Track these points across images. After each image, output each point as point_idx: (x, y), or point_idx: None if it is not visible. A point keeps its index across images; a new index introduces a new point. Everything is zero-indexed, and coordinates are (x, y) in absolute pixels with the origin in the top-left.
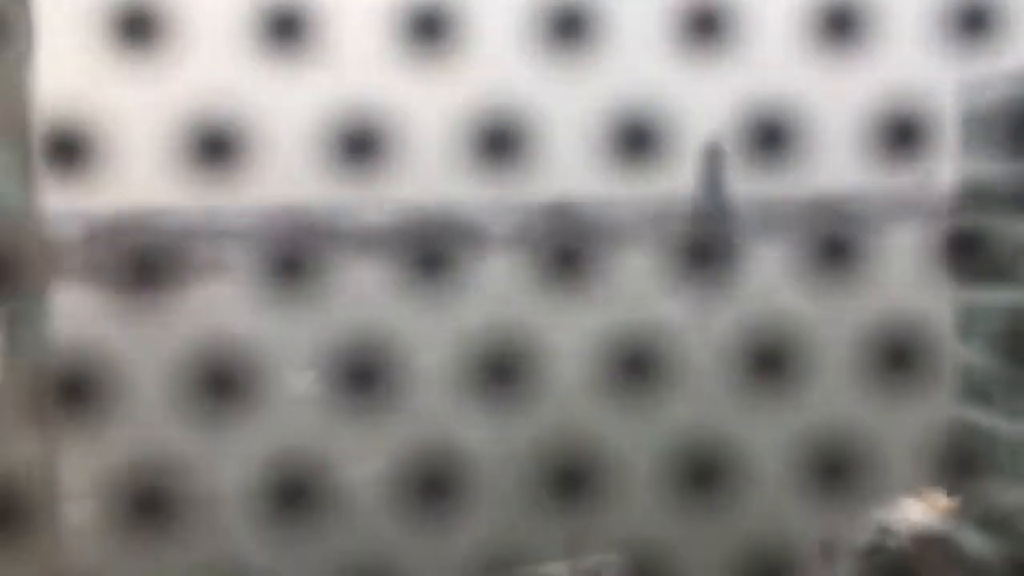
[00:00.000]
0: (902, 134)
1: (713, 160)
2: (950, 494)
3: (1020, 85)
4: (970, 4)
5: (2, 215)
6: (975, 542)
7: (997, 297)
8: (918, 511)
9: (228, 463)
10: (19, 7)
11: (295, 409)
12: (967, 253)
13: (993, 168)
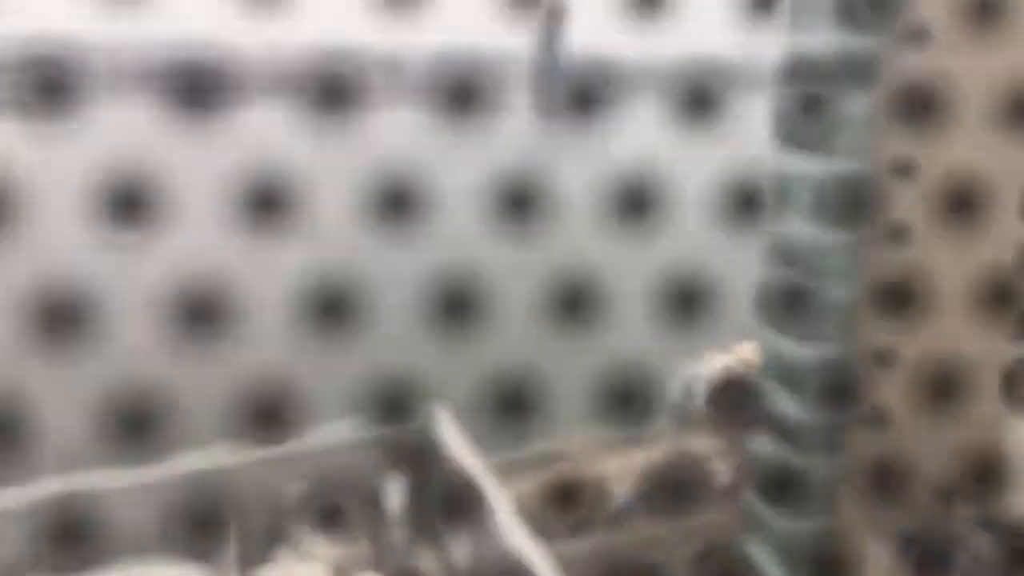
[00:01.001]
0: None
1: (553, 18)
2: (759, 347)
3: None
4: None
5: None
6: (777, 393)
7: (813, 167)
8: (726, 362)
9: None
10: None
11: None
12: (789, 121)
13: (820, 40)
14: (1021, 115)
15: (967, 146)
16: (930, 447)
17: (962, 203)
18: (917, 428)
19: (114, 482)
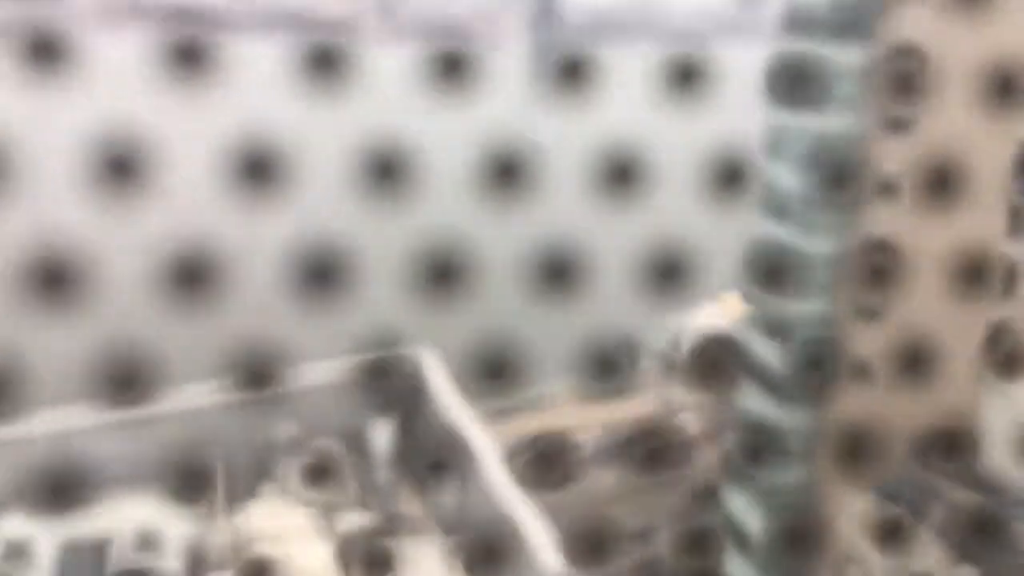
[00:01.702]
0: None
1: None
2: (745, 301)
3: None
4: None
5: None
6: (760, 347)
7: (807, 121)
8: (712, 314)
9: None
10: None
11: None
12: (784, 76)
13: None
14: (1008, 88)
15: (958, 109)
16: (908, 404)
17: (950, 165)
18: (897, 385)
19: (101, 420)
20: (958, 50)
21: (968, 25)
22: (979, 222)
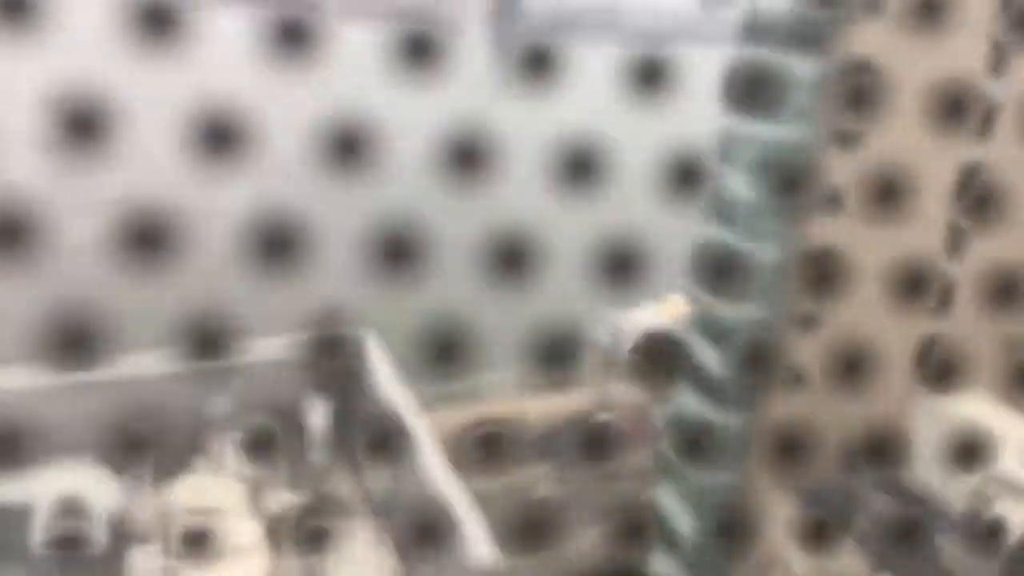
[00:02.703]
0: None
1: None
2: (689, 301)
3: None
4: None
5: None
6: (700, 348)
7: (760, 129)
8: (655, 314)
9: None
10: None
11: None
12: (741, 83)
13: (776, 3)
14: (955, 108)
15: (906, 126)
16: (840, 413)
17: (895, 181)
18: (830, 393)
19: (40, 382)
20: (909, 68)
21: (920, 45)
22: (919, 238)
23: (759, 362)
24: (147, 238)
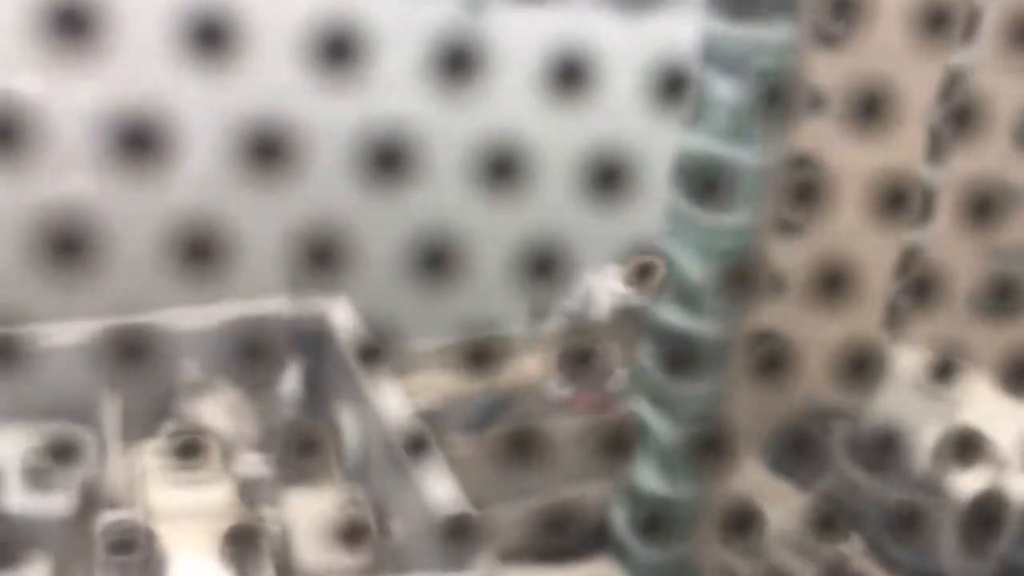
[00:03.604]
0: None
1: None
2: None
3: None
4: None
5: None
6: (669, 314)
7: (739, 31)
8: (620, 278)
9: None
10: None
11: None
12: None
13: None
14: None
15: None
16: (819, 323)
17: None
18: (810, 302)
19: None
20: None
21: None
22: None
23: (740, 269)
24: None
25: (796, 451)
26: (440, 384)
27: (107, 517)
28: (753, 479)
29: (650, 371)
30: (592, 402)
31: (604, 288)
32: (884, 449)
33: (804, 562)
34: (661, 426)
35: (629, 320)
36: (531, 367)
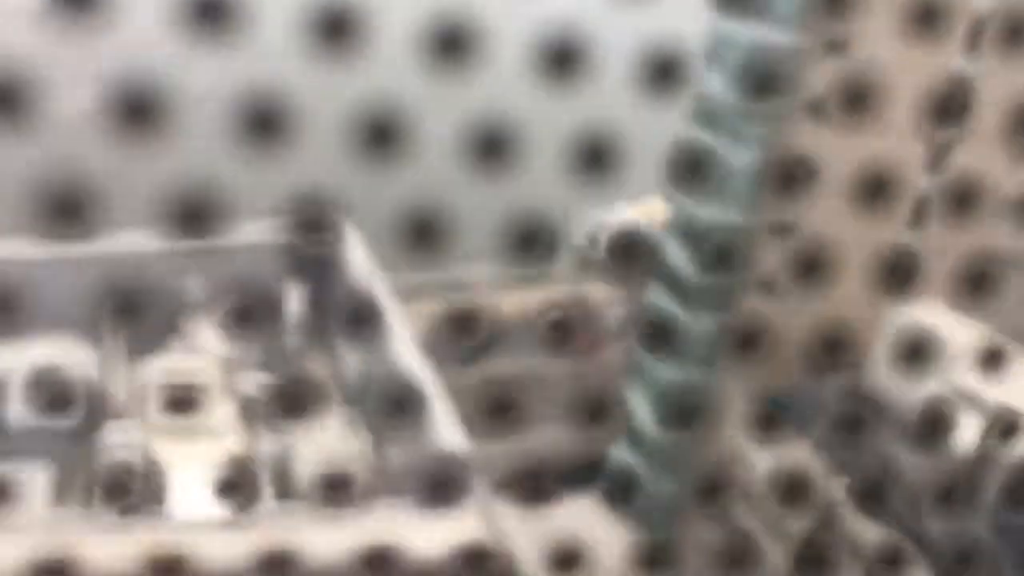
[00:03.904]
0: None
1: None
2: (665, 202)
3: None
4: None
5: None
6: (675, 251)
7: (744, 31)
8: (632, 214)
9: None
10: None
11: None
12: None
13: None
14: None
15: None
16: (807, 319)
17: (875, 92)
18: (799, 300)
19: (23, 253)
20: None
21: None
22: (896, 146)
23: (731, 264)
24: (140, 109)
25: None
26: (433, 314)
27: (109, 433)
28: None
29: (640, 357)
30: (582, 343)
31: (612, 222)
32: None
33: (791, 511)
34: (647, 411)
35: (634, 250)
36: (530, 303)
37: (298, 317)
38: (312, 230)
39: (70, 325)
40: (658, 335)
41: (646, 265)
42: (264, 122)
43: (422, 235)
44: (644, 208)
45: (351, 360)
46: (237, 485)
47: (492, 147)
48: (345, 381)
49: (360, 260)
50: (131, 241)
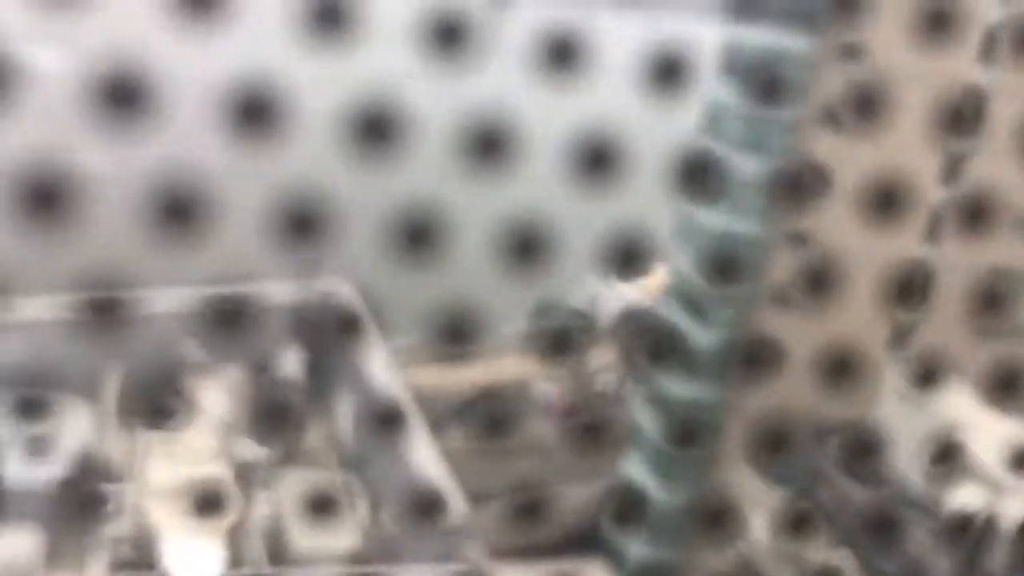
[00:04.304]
0: None
1: None
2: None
3: None
4: None
5: None
6: (679, 318)
7: (758, 38)
8: (635, 292)
9: None
10: None
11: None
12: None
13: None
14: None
15: (899, 35)
16: (816, 335)
17: (887, 98)
18: (808, 314)
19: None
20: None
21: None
22: (909, 156)
23: (741, 274)
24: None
25: (789, 458)
26: (427, 377)
27: (101, 490)
28: (740, 481)
29: (648, 374)
30: (563, 406)
31: (611, 294)
32: (873, 460)
33: (784, 567)
34: (655, 427)
35: (633, 324)
36: (522, 365)
37: (296, 383)
38: (306, 294)
39: (68, 385)
40: (666, 353)
41: (650, 343)
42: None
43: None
44: (643, 285)
45: (344, 419)
46: (232, 550)
47: (490, 153)
48: (343, 450)
49: (360, 324)
50: (140, 302)
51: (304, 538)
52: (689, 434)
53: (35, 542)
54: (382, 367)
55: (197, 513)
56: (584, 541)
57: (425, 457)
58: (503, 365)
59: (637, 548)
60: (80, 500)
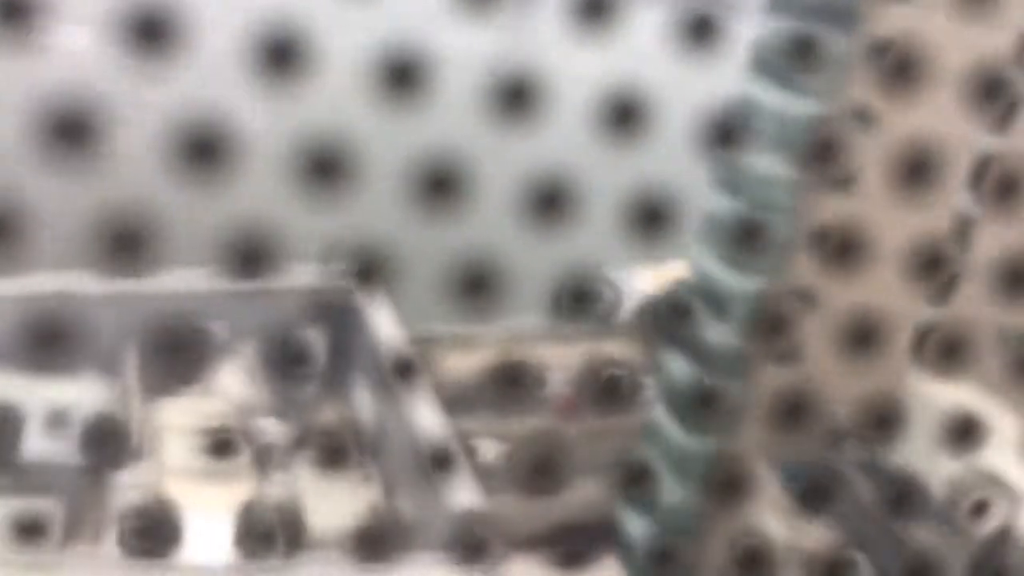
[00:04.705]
0: None
1: None
2: (688, 267)
3: None
4: None
5: None
6: (699, 315)
7: (782, 101)
8: (652, 279)
9: None
10: None
11: None
12: (768, 52)
13: None
14: (989, 90)
15: (929, 111)
16: (834, 390)
17: (912, 165)
18: (826, 370)
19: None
20: (944, 48)
21: (956, 25)
22: (933, 219)
23: (755, 332)
24: (205, 148)
25: (818, 486)
26: (455, 368)
27: (124, 473)
28: (772, 509)
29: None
30: (561, 404)
31: (630, 287)
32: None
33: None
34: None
35: (652, 319)
36: (544, 359)
37: (316, 364)
38: (363, 279)
39: (91, 362)
40: (681, 402)
41: (671, 329)
42: (325, 168)
43: (474, 288)
44: (660, 273)
45: (366, 410)
46: (250, 532)
47: (547, 203)
48: (361, 432)
49: (381, 311)
50: (158, 281)
51: (318, 518)
52: (706, 411)
53: (55, 515)
54: (390, 327)
55: (211, 454)
56: (596, 532)
57: (432, 421)
58: (611, 346)
59: (647, 535)
60: (98, 473)
